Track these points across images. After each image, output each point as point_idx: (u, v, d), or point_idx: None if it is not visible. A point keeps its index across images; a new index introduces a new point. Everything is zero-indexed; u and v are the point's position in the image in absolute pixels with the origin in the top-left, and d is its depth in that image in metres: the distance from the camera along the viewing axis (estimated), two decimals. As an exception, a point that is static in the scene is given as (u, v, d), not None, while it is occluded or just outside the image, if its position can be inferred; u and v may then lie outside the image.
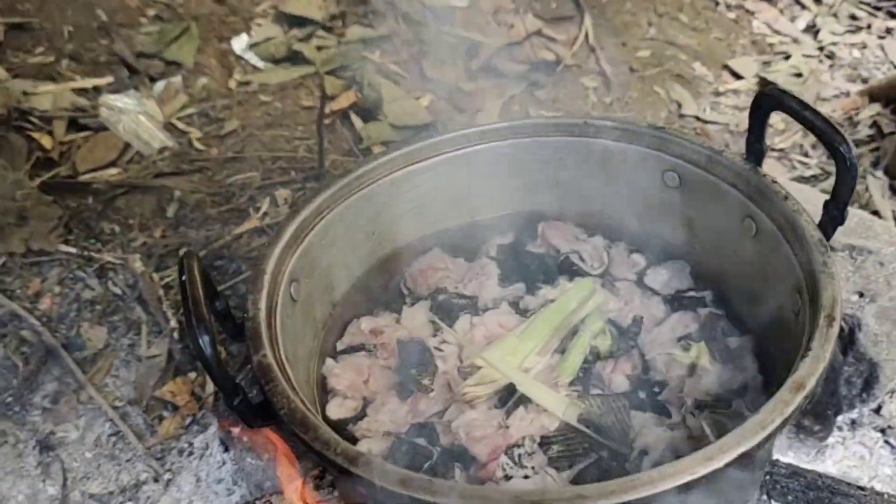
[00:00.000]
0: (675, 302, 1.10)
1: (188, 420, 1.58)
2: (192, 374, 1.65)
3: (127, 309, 1.75)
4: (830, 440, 1.51)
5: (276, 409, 0.79)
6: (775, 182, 0.97)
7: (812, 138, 2.16)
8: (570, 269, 1.15)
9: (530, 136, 1.16)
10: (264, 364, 0.84)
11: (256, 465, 1.30)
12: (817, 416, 1.34)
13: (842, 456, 1.50)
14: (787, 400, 0.72)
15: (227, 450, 1.46)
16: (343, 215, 1.09)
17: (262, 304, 0.92)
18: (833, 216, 0.92)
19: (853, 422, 1.54)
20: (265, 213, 1.95)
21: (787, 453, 1.44)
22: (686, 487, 0.68)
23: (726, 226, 1.05)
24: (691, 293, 1.10)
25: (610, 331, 1.06)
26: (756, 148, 1.01)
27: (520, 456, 0.91)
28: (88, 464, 1.52)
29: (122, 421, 1.57)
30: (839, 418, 1.53)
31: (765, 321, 1.01)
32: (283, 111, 2.30)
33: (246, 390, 0.81)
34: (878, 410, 1.56)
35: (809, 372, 0.74)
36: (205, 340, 0.75)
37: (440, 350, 1.05)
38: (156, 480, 1.49)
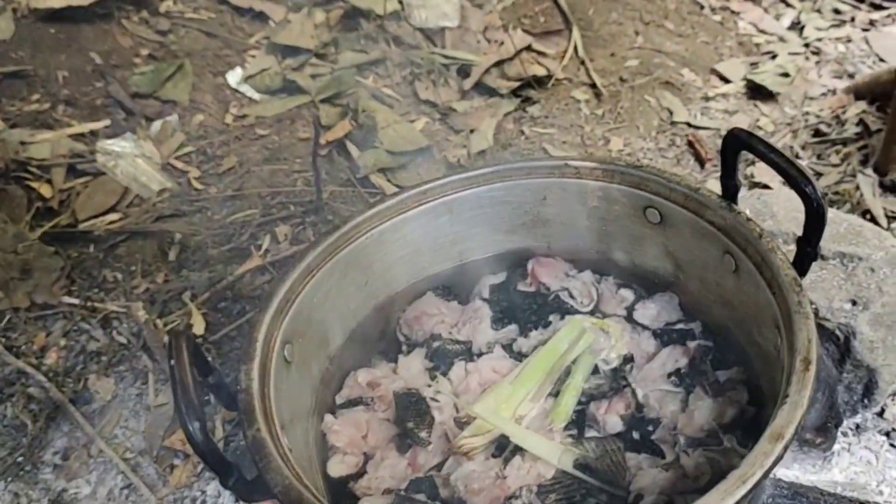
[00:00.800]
0: (665, 336, 1.10)
1: (199, 467, 1.60)
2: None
3: (133, 358, 1.77)
4: (836, 447, 1.51)
5: (272, 487, 0.81)
6: (749, 220, 0.97)
7: (801, 139, 2.16)
8: (562, 308, 1.16)
9: (513, 180, 1.17)
10: (258, 439, 0.86)
11: (266, 514, 1.32)
12: (819, 429, 1.35)
13: (848, 462, 1.50)
14: (767, 451, 0.73)
15: (237, 500, 1.48)
16: (333, 271, 1.11)
17: (255, 374, 0.93)
18: (806, 253, 0.93)
19: (857, 426, 1.55)
20: (266, 251, 1.97)
21: (793, 466, 1.45)
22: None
23: (708, 261, 1.05)
24: (680, 325, 1.11)
25: (602, 369, 1.07)
26: (730, 184, 1.02)
27: (518, 507, 0.92)
28: (102, 518, 1.55)
29: (134, 473, 1.59)
30: (843, 425, 1.54)
31: (751, 352, 1.01)
32: (279, 144, 2.32)
33: (240, 469, 0.83)
34: (881, 414, 1.57)
35: (788, 420, 0.75)
36: (195, 426, 0.77)
37: (436, 401, 1.06)
38: (170, 530, 1.51)
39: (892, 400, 1.60)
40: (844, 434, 1.54)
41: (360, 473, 1.03)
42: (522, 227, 1.22)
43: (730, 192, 1.02)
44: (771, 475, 0.75)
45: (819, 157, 2.13)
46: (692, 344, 1.07)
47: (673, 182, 1.06)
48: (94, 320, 1.82)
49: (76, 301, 1.87)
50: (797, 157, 2.14)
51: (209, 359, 1.06)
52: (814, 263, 1.48)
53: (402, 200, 1.16)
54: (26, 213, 2.09)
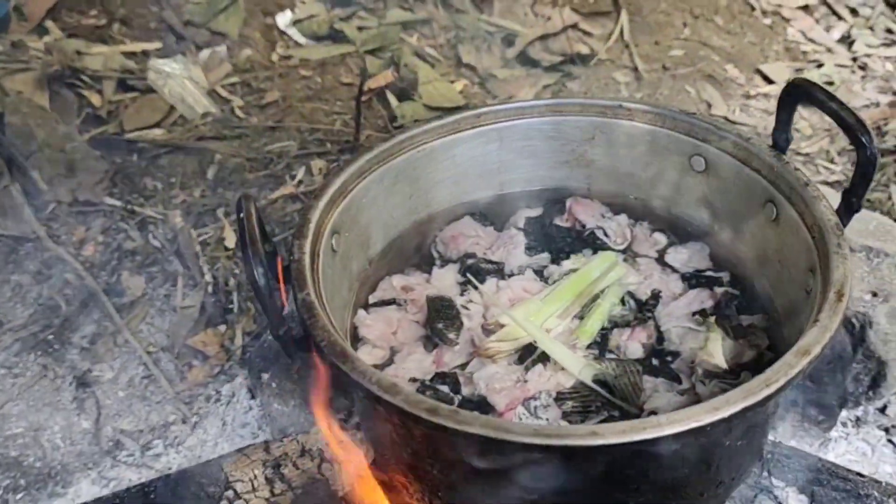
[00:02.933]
0: (693, 280, 1.15)
1: (216, 369, 1.66)
2: (223, 327, 1.72)
3: (165, 261, 1.83)
4: (834, 434, 1.56)
5: (317, 341, 0.86)
6: (797, 169, 1.02)
7: (838, 144, 2.20)
8: (595, 244, 1.21)
9: (564, 115, 1.22)
10: (308, 301, 0.91)
11: (282, 411, 1.38)
12: (822, 406, 1.39)
13: (844, 450, 1.55)
14: (792, 363, 0.78)
15: (253, 397, 1.53)
16: (384, 177, 1.16)
17: (307, 250, 0.99)
18: (850, 204, 0.98)
19: (858, 419, 1.59)
20: (300, 181, 2.03)
21: (791, 441, 1.49)
22: (692, 434, 0.75)
23: (748, 210, 1.10)
24: (709, 273, 1.16)
25: (629, 302, 1.12)
26: (782, 137, 1.06)
27: (535, 408, 0.97)
28: (121, 402, 1.61)
29: (155, 365, 1.65)
30: (844, 414, 1.58)
31: (778, 302, 1.06)
32: (322, 86, 2.37)
33: (290, 323, 0.89)
34: (883, 410, 1.61)
35: (816, 340, 0.80)
36: (259, 272, 0.82)
37: (466, 308, 1.11)
38: (183, 422, 1.57)
39: (896, 398, 1.64)
40: (844, 424, 1.59)
41: (387, 364, 1.08)
42: (566, 166, 1.26)
43: (780, 145, 1.07)
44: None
45: (853, 164, 2.17)
46: (719, 290, 1.12)
47: (724, 129, 1.10)
48: (132, 221, 1.88)
49: (117, 202, 1.93)
50: (832, 161, 2.18)
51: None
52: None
53: (457, 121, 1.21)
54: (76, 117, 2.15)
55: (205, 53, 2.44)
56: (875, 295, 1.49)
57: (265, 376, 1.36)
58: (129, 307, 1.75)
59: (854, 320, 1.47)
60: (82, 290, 1.74)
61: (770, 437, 1.29)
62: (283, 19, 2.63)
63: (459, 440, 0.78)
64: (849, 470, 1.23)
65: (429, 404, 0.78)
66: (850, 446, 1.55)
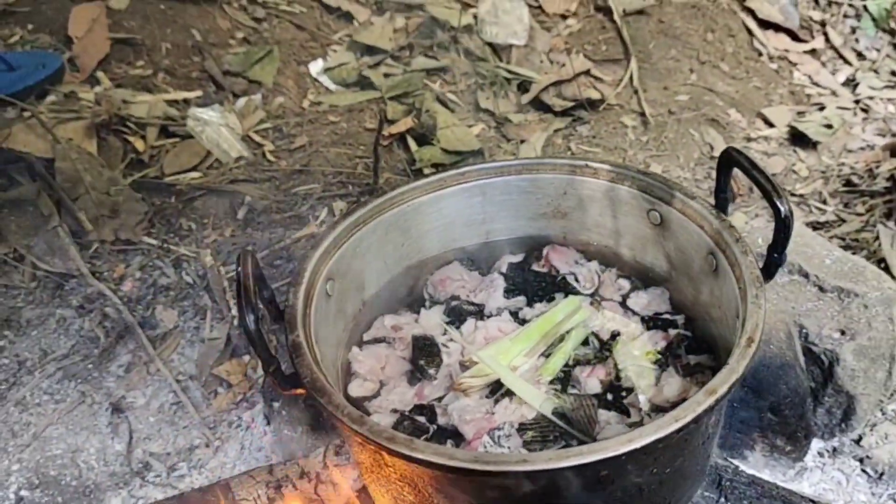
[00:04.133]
0: (651, 322, 1.28)
1: (239, 397, 1.82)
2: (246, 358, 1.89)
3: (196, 296, 2.01)
4: (811, 464, 1.65)
5: (302, 378, 1.01)
6: (732, 227, 1.14)
7: (831, 186, 2.29)
8: (566, 288, 1.34)
9: (539, 173, 1.35)
10: (296, 342, 1.06)
11: (291, 437, 1.53)
12: (788, 437, 1.49)
13: (819, 479, 1.64)
14: (700, 401, 0.90)
15: (269, 423, 1.69)
16: (376, 228, 1.31)
17: (301, 296, 1.14)
18: (773, 258, 1.09)
19: (834, 449, 1.68)
20: (322, 222, 2.20)
21: (764, 471, 1.59)
22: (611, 462, 0.87)
23: (694, 261, 1.22)
24: (666, 316, 1.28)
25: (592, 341, 1.25)
26: (721, 197, 1.19)
27: (499, 437, 1.10)
28: (151, 427, 1.78)
29: (183, 393, 1.82)
30: (821, 445, 1.67)
31: (720, 344, 1.18)
32: (347, 131, 2.55)
33: (280, 364, 1.04)
34: (858, 441, 1.70)
35: (723, 380, 0.92)
36: (250, 318, 0.98)
37: (447, 346, 1.25)
38: (207, 446, 1.73)
39: (871, 430, 1.72)
40: (821, 454, 1.68)
41: (375, 396, 1.23)
42: (543, 217, 1.40)
43: (720, 203, 1.19)
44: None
45: (846, 205, 2.26)
46: (673, 332, 1.24)
47: (674, 189, 1.23)
48: (167, 259, 2.07)
49: (154, 241, 2.12)
50: (825, 202, 2.27)
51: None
52: (812, 294, 1.63)
53: (443, 178, 1.36)
54: (121, 162, 2.36)
55: (241, 101, 2.65)
56: (843, 333, 1.59)
57: (276, 405, 1.51)
58: (161, 338, 1.93)
59: (823, 357, 1.57)
60: (120, 323, 1.92)
61: (733, 465, 1.39)
62: (316, 67, 2.83)
63: (415, 466, 0.92)
64: (803, 496, 1.32)
65: (388, 434, 0.92)
66: (826, 475, 1.64)
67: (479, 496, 0.94)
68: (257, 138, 2.51)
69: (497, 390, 1.18)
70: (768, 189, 1.04)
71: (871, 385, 1.61)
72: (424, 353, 1.23)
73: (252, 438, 1.69)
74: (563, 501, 0.95)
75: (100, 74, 2.65)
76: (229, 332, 1.93)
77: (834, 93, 2.73)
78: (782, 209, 1.03)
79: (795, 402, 1.42)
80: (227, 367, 1.86)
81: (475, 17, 2.95)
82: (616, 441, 0.88)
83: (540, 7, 3.03)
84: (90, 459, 1.69)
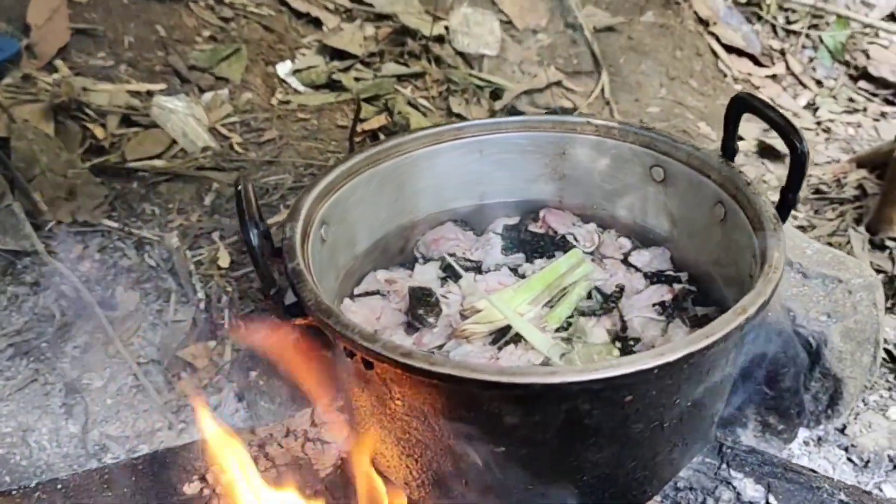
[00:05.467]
0: (654, 278, 1.25)
1: (205, 382, 1.71)
2: (213, 343, 1.79)
3: (159, 279, 1.90)
4: (797, 451, 1.63)
5: (305, 302, 0.94)
6: (741, 173, 1.13)
7: (801, 195, 2.33)
8: (565, 247, 1.30)
9: (538, 131, 1.33)
10: (297, 269, 1.00)
11: (269, 409, 1.43)
12: (781, 413, 1.46)
13: (806, 464, 1.61)
14: (730, 319, 0.86)
15: (241, 400, 1.59)
16: (371, 179, 1.26)
17: (298, 230, 1.08)
18: (787, 200, 1.08)
19: (819, 438, 1.66)
20: (293, 211, 2.12)
21: (754, 452, 1.56)
22: (640, 377, 0.82)
23: (700, 213, 1.20)
24: (669, 273, 1.25)
25: (595, 295, 1.20)
26: (729, 146, 1.18)
27: (506, 383, 1.05)
28: (109, 409, 1.65)
29: (144, 376, 1.71)
30: (806, 434, 1.65)
31: (728, 294, 1.15)
32: (319, 127, 2.50)
33: (280, 287, 0.97)
34: (843, 430, 1.68)
35: (752, 301, 0.89)
36: (254, 233, 0.91)
37: (446, 298, 1.20)
38: (170, 428, 1.61)
39: (855, 419, 1.72)
40: (806, 443, 1.66)
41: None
42: (541, 179, 1.37)
43: (728, 153, 1.18)
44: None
45: (816, 212, 2.30)
46: (677, 286, 1.21)
47: (679, 142, 1.22)
48: (129, 241, 1.96)
49: (115, 225, 2.01)
50: (796, 210, 2.30)
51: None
52: (796, 280, 1.63)
53: (439, 133, 1.32)
54: (79, 147, 2.25)
55: (207, 96, 2.57)
56: (829, 316, 1.58)
57: (253, 374, 1.42)
58: (121, 321, 1.81)
59: (811, 339, 1.56)
60: (77, 303, 1.80)
61: (730, 440, 1.36)
62: (284, 68, 2.78)
63: (430, 390, 0.86)
64: (802, 466, 1.29)
65: (404, 349, 0.85)
66: (812, 463, 1.61)
67: (498, 420, 0.88)
68: (224, 131, 2.43)
69: (500, 338, 1.13)
70: (785, 128, 1.03)
71: (857, 368, 1.61)
72: (423, 304, 1.17)
73: (221, 416, 1.59)
74: (584, 429, 0.90)
75: (58, 63, 2.55)
76: (195, 316, 1.83)
77: (796, 115, 2.80)
78: (799, 146, 1.02)
79: (792, 373, 1.40)
80: (193, 350, 1.76)
81: (447, 28, 2.96)
82: (648, 354, 0.83)
83: (510, 22, 3.07)
84: (42, 439, 1.56)
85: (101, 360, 1.73)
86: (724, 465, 1.25)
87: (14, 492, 1.19)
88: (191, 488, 1.12)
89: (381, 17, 3.05)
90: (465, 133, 1.32)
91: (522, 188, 1.38)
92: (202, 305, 1.84)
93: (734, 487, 1.23)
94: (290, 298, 0.98)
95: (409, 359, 0.84)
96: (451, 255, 1.29)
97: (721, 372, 0.96)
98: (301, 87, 2.73)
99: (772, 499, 1.22)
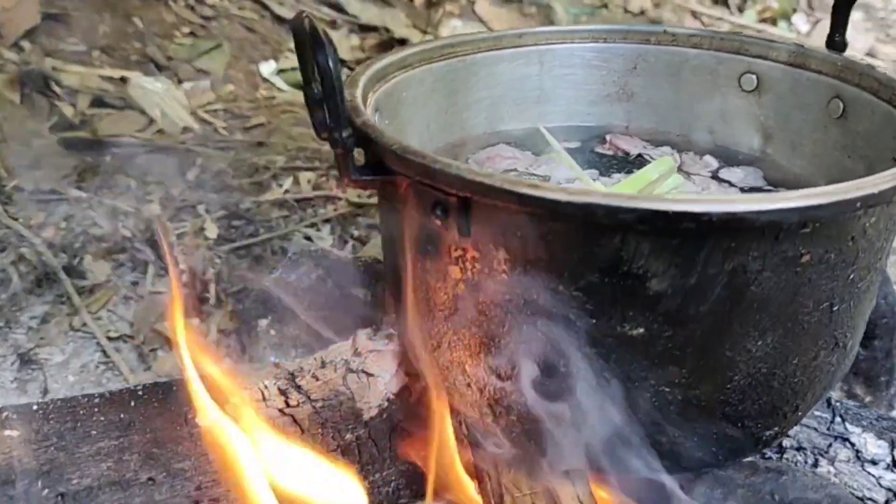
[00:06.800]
0: (752, 192, 1.08)
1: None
2: (196, 321, 1.54)
3: (134, 250, 1.66)
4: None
5: (389, 146, 0.74)
6: (858, 61, 1.00)
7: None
8: (643, 164, 1.13)
9: (606, 42, 1.17)
10: (367, 122, 0.80)
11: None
12: (869, 380, 1.28)
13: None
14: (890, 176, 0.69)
15: (244, 351, 1.34)
16: (424, 78, 1.07)
17: (359, 94, 0.89)
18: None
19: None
20: (287, 190, 1.92)
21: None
22: (836, 208, 0.64)
23: (809, 116, 1.05)
24: (767, 189, 1.09)
25: (690, 208, 1.02)
26: (838, 42, 1.04)
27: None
28: (71, 387, 1.39)
29: (116, 352, 1.45)
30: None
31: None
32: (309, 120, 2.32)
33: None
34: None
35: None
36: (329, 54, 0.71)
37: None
38: (147, 407, 1.34)
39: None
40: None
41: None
42: (606, 100, 1.20)
43: (837, 48, 1.04)
44: None
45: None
46: (780, 199, 1.04)
47: (776, 42, 1.07)
48: (100, 209, 1.72)
49: (84, 194, 1.77)
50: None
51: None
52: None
53: (499, 37, 1.15)
54: (47, 120, 2.02)
55: (187, 85, 2.38)
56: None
57: (263, 323, 1.19)
58: (89, 291, 1.55)
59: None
60: (39, 268, 1.55)
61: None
62: (267, 68, 2.61)
63: (567, 226, 0.66)
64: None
65: (530, 181, 0.66)
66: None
67: (643, 288, 0.68)
68: (207, 117, 2.23)
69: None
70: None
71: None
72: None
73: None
74: (747, 299, 0.70)
75: (25, 44, 2.33)
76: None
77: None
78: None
79: (890, 325, 1.23)
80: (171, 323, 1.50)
81: (435, 38, 2.85)
82: (843, 187, 0.65)
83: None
84: (-11, 412, 1.27)
85: (64, 334, 1.47)
86: (837, 419, 1.06)
87: None
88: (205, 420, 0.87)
89: (365, 29, 2.93)
90: (526, 41, 1.16)
91: (585, 112, 1.21)
92: (185, 278, 1.59)
93: (852, 444, 1.04)
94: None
95: (537, 191, 0.64)
96: (512, 171, 1.10)
97: (874, 244, 0.77)
98: (286, 87, 2.56)
99: (898, 455, 1.03)
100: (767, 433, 0.81)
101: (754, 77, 1.10)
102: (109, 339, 1.47)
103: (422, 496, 0.94)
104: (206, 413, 0.83)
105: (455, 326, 0.81)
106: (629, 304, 0.70)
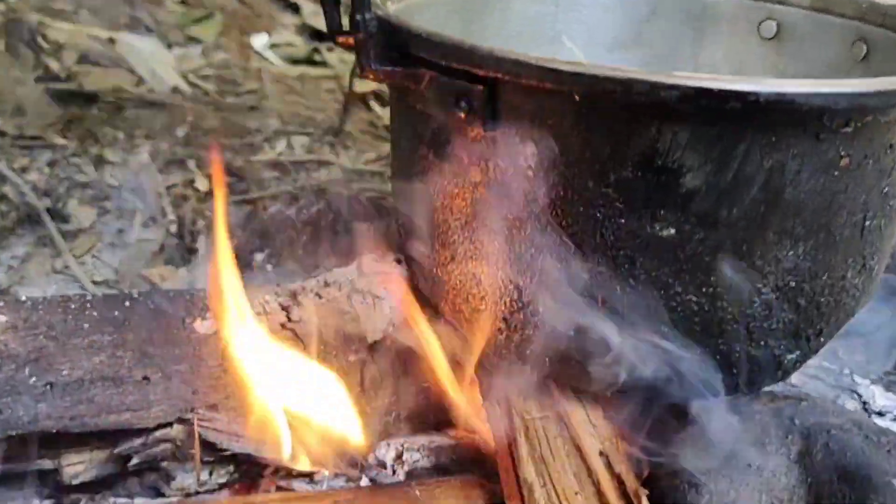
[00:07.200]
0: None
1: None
2: (183, 270, 1.49)
3: (121, 199, 1.60)
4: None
5: (414, 31, 0.71)
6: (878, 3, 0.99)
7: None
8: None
9: (624, -16, 1.16)
10: (388, 14, 0.77)
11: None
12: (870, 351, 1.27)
13: None
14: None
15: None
16: (438, 7, 1.05)
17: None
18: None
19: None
20: (280, 153, 1.87)
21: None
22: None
23: (828, 63, 1.04)
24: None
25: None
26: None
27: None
28: (51, 330, 1.32)
29: (99, 297, 1.39)
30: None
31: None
32: (303, 89, 2.28)
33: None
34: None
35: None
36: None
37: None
38: (130, 351, 1.29)
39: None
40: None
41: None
42: (621, 47, 1.18)
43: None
44: None
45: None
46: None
47: (796, -16, 1.06)
48: (86, 157, 1.66)
49: (69, 143, 1.71)
50: None
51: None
52: None
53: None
54: (32, 71, 1.96)
55: (177, 51, 2.33)
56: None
57: (259, 257, 1.15)
58: (73, 236, 1.49)
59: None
60: (21, 208, 1.49)
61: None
62: (259, 41, 2.56)
63: (603, 111, 0.63)
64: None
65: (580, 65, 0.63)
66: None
67: (677, 185, 0.65)
68: (198, 81, 2.18)
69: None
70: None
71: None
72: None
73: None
74: (783, 202, 0.68)
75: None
76: (164, 240, 1.53)
77: None
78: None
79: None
80: (160, 270, 1.45)
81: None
82: (850, 80, 0.63)
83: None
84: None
85: (46, 275, 1.41)
86: (846, 371, 1.04)
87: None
88: (203, 326, 0.82)
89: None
90: (543, -27, 1.14)
91: (600, 56, 1.18)
92: (173, 228, 1.54)
93: (860, 396, 1.02)
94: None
95: (588, 68, 0.61)
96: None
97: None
98: (278, 62, 2.51)
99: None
100: (789, 357, 0.78)
101: (774, 24, 1.09)
102: (94, 283, 1.41)
103: (426, 426, 0.90)
104: (225, 319, 0.78)
105: (472, 235, 0.77)
106: (662, 201, 0.67)
